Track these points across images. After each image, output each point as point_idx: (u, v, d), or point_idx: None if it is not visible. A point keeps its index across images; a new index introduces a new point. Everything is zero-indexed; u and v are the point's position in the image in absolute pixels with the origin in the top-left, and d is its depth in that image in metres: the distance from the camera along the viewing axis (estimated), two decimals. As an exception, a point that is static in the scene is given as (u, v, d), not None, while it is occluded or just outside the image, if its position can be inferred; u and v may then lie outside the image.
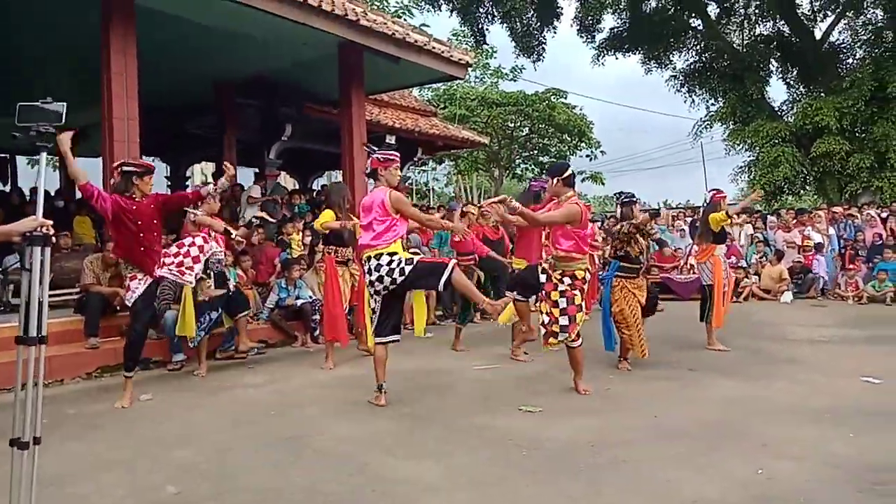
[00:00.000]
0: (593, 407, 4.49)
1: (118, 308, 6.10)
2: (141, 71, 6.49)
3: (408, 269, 4.37)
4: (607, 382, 5.17)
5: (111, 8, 6.26)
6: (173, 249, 5.27)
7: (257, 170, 11.21)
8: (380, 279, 4.41)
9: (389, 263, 4.38)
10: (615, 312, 5.66)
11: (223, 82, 10.13)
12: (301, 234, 8.63)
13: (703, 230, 6.72)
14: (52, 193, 11.21)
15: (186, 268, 5.21)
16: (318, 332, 7.04)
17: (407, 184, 17.07)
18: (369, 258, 4.46)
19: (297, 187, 13.79)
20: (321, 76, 9.54)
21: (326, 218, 5.92)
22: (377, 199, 4.46)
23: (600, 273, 8.98)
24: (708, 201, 6.78)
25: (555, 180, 4.76)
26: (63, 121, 2.46)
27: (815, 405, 4.40)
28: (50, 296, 6.36)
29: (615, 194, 6.00)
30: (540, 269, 4.89)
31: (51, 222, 2.39)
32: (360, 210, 4.69)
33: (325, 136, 10.92)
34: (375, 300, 4.58)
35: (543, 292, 4.78)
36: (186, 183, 13.95)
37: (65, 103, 2.45)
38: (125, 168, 4.74)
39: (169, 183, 13.15)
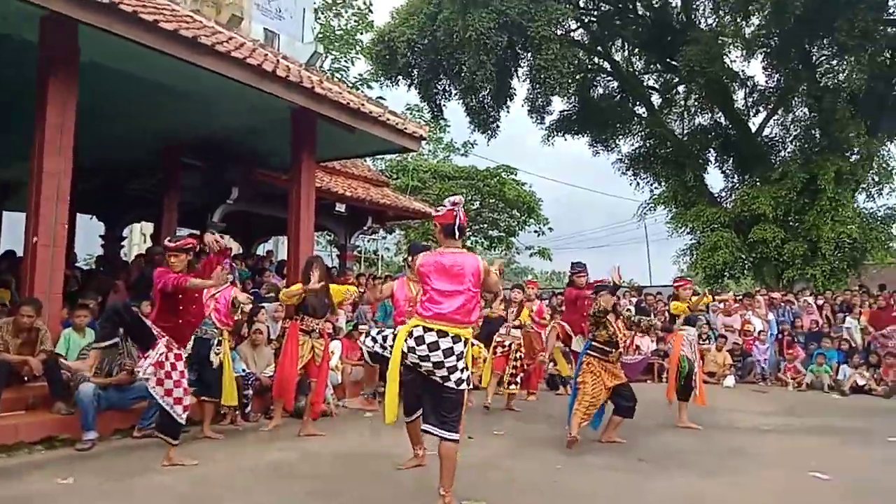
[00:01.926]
0: (539, 501, 4.21)
1: (26, 378, 5.55)
2: (80, 126, 6.19)
3: (463, 387, 3.66)
4: (555, 472, 4.91)
5: (53, 59, 5.99)
6: (177, 370, 4.75)
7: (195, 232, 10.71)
8: (438, 364, 3.61)
9: (459, 358, 3.63)
10: (578, 382, 5.74)
11: (169, 141, 9.83)
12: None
13: (670, 318, 7.23)
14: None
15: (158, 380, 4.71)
16: (249, 408, 6.59)
17: (356, 252, 16.83)
18: (442, 333, 3.61)
19: (240, 252, 13.37)
20: (272, 141, 9.39)
21: (292, 289, 5.97)
22: (469, 266, 3.69)
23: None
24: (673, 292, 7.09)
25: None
26: None
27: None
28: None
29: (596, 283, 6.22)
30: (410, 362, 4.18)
31: None
32: (429, 271, 3.74)
33: (272, 201, 10.66)
34: (406, 371, 3.75)
35: None
36: (122, 244, 13.33)
37: None
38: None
39: (103, 242, 12.54)
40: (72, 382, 5.47)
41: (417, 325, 3.70)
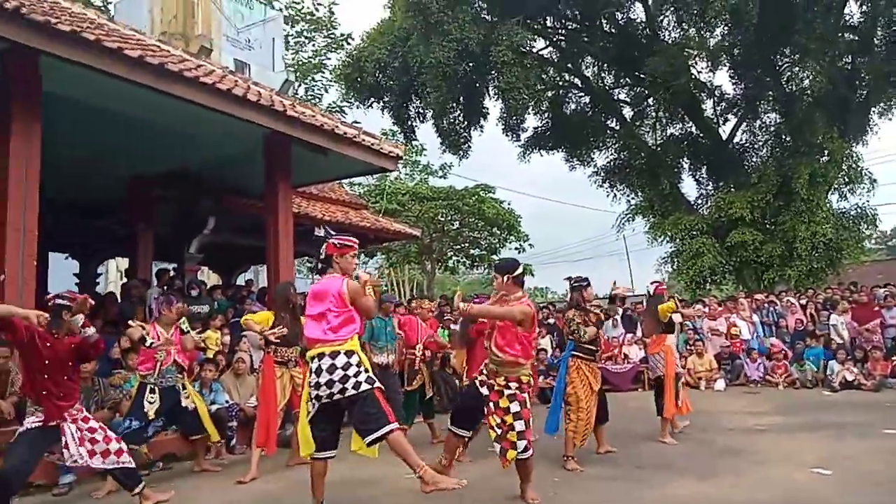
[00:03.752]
0: (540, 516, 4.09)
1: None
2: (48, 160, 6.02)
3: (365, 387, 3.78)
4: (553, 486, 4.79)
5: (15, 92, 5.84)
6: (98, 431, 4.41)
7: (168, 266, 10.43)
8: (329, 383, 3.79)
9: (346, 367, 3.80)
10: (568, 393, 5.46)
11: (140, 174, 9.65)
12: (220, 332, 8.02)
13: (651, 322, 6.73)
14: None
15: (89, 452, 4.32)
16: (234, 440, 6.38)
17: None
18: (321, 355, 3.85)
19: (219, 283, 13.13)
20: (246, 167, 9.24)
21: (259, 318, 5.65)
22: (332, 288, 3.97)
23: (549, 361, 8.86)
24: (652, 293, 6.79)
25: (505, 278, 4.51)
26: None
27: (770, 502, 4.16)
28: None
29: (567, 279, 5.93)
30: (478, 382, 4.56)
31: None
32: (309, 299, 4.14)
33: (250, 230, 10.49)
34: (313, 405, 3.95)
35: (490, 404, 4.41)
36: (98, 280, 13.02)
37: None
38: (58, 301, 4.31)
39: (78, 281, 12.23)
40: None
41: (309, 359, 3.99)
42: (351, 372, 3.81)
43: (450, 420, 4.75)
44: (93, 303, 4.51)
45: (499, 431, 4.33)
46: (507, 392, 4.37)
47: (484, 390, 4.47)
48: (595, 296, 5.90)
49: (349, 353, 3.86)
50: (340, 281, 4.00)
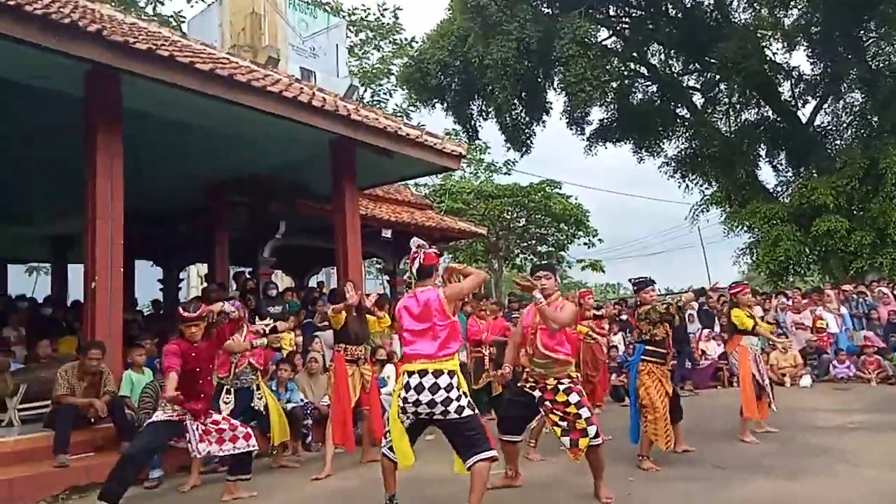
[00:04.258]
0: (614, 516, 4.00)
1: (92, 420, 5.65)
2: (130, 173, 6.38)
3: (467, 412, 3.74)
4: (627, 486, 4.66)
5: (98, 110, 6.22)
6: (222, 422, 4.73)
7: (244, 270, 10.84)
8: (431, 403, 3.70)
9: (448, 389, 3.72)
10: (641, 397, 5.35)
11: (214, 182, 10.09)
12: (293, 332, 8.24)
13: (728, 324, 6.57)
14: (40, 301, 10.94)
15: (218, 440, 4.65)
16: (309, 438, 6.55)
17: (405, 276, 16.85)
18: (423, 372, 3.74)
19: (292, 285, 13.54)
20: (314, 172, 9.51)
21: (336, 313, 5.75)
22: (432, 301, 3.83)
23: (621, 359, 8.74)
24: (728, 297, 6.63)
25: (557, 277, 4.51)
26: None
27: (864, 505, 3.92)
28: (23, 409, 6.08)
29: (631, 280, 5.86)
30: (528, 386, 4.50)
31: None
32: (405, 313, 3.96)
33: (320, 233, 10.77)
34: (409, 419, 3.84)
35: (546, 404, 4.38)
36: (180, 285, 13.70)
37: None
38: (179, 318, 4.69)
39: (162, 286, 12.90)
40: (136, 423, 5.55)
41: (403, 373, 3.88)
42: (453, 395, 3.73)
43: (499, 432, 4.69)
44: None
45: (564, 424, 4.29)
46: (561, 387, 4.35)
47: (536, 393, 4.43)
48: (662, 292, 5.72)
49: (451, 374, 3.78)
50: (435, 292, 3.90)
